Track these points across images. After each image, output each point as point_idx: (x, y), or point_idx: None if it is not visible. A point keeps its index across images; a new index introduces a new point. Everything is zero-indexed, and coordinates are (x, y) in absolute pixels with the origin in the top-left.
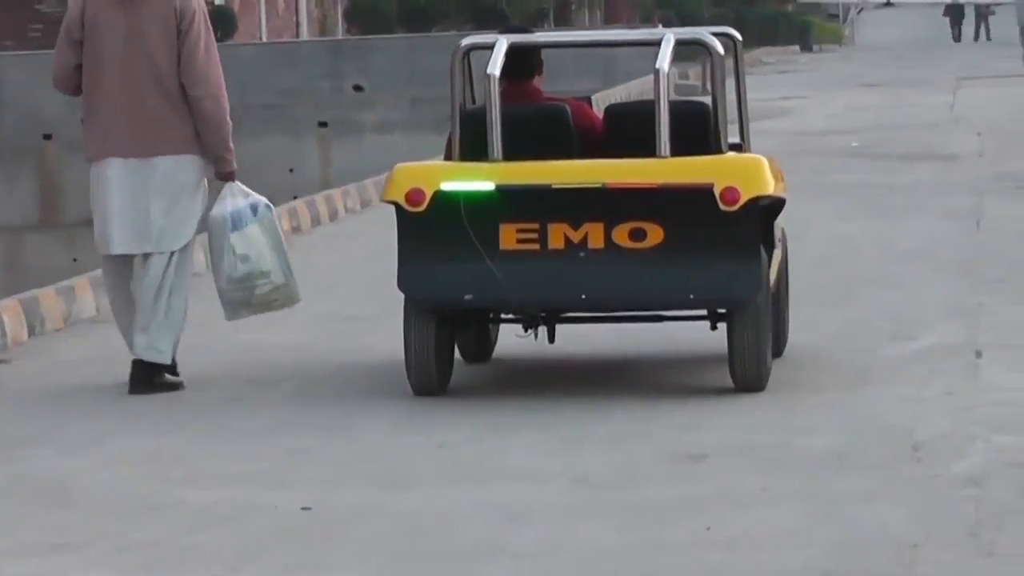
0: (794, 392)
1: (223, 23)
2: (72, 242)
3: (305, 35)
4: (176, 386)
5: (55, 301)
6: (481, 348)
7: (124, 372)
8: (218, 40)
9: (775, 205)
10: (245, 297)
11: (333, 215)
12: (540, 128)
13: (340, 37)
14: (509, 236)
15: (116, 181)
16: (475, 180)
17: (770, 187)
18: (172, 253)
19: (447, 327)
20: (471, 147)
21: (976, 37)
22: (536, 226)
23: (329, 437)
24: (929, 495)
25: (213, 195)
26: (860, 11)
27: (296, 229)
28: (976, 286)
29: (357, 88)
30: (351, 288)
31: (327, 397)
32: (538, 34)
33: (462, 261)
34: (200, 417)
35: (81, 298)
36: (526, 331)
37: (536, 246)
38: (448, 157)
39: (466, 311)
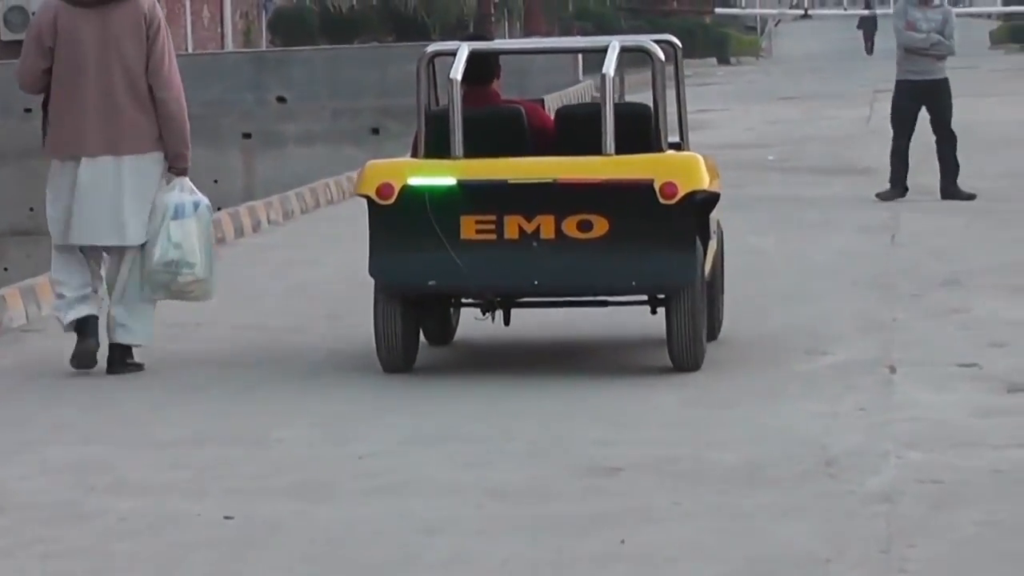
0: (708, 406)
1: None
2: (2, 253)
3: (230, 46)
4: (139, 367)
5: None
6: (443, 332)
7: (54, 381)
8: None
9: (710, 199)
10: (167, 281)
11: (256, 226)
12: (498, 128)
13: (264, 48)
14: (469, 227)
15: (88, 178)
16: (439, 176)
17: (706, 182)
18: (141, 246)
19: (412, 310)
20: (435, 145)
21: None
22: (493, 218)
23: (251, 447)
24: (841, 511)
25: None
26: (778, 23)
27: (220, 240)
28: (890, 301)
29: (280, 100)
30: (273, 299)
31: (249, 407)
32: (497, 42)
33: (426, 250)
34: (124, 426)
35: (12, 308)
36: (484, 314)
37: (493, 236)
38: (414, 154)
39: (429, 296)
